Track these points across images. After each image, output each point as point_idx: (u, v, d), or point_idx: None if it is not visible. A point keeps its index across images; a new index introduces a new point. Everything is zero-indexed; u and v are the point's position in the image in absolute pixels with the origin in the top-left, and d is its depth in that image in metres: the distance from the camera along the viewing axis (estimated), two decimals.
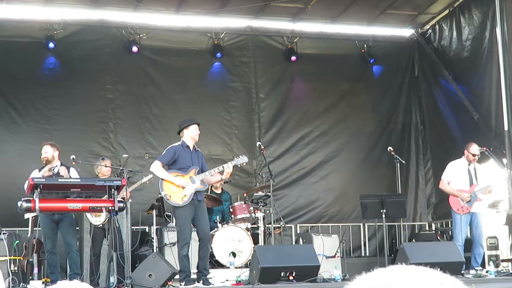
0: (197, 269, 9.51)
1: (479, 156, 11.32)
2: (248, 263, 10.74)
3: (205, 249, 9.59)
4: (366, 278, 1.56)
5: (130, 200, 10.48)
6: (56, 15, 13.97)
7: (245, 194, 12.89)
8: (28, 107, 13.57)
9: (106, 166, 11.10)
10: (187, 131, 9.68)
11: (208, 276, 9.52)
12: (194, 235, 9.78)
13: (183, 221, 9.42)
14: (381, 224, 11.14)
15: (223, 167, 9.64)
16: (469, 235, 11.54)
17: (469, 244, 11.17)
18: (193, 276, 9.56)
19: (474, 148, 11.27)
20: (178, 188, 9.41)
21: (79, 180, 9.24)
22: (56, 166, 10.03)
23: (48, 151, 10.09)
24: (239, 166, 10.07)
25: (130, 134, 14.19)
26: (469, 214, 11.06)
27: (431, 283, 1.50)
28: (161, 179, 9.52)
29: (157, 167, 9.53)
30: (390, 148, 12.54)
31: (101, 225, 10.30)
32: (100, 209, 8.75)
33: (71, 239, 10.02)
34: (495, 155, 12.48)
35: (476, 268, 10.44)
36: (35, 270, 8.91)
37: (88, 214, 10.25)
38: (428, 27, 15.70)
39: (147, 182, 11.27)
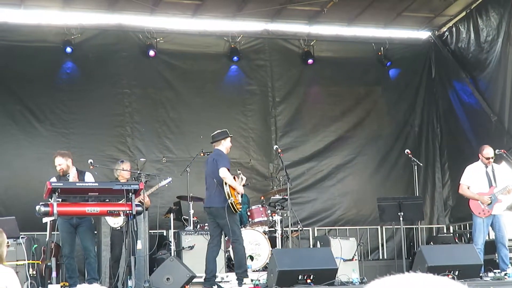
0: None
1: (493, 158, 11.20)
2: (266, 266, 10.74)
3: None
4: (380, 283, 1.55)
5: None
6: (73, 20, 14.03)
7: (262, 198, 12.88)
8: (45, 112, 13.62)
9: (124, 170, 11.14)
10: (225, 142, 10.17)
11: (225, 280, 9.63)
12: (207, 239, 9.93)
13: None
14: (399, 227, 11.12)
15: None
16: (489, 238, 11.46)
17: (489, 247, 11.10)
18: (201, 280, 9.66)
19: (488, 151, 11.14)
20: (238, 195, 9.86)
21: (97, 184, 9.25)
22: (69, 174, 10.06)
23: (61, 163, 10.05)
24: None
25: (148, 138, 14.21)
26: (491, 217, 10.96)
27: None
28: (229, 185, 9.71)
29: (228, 173, 9.75)
30: (407, 150, 12.50)
31: (119, 228, 10.31)
32: (118, 213, 8.76)
33: (90, 244, 10.03)
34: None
35: (494, 271, 10.35)
36: (54, 274, 8.93)
37: (106, 216, 10.26)
38: (445, 29, 15.63)
39: (166, 185, 11.30)
